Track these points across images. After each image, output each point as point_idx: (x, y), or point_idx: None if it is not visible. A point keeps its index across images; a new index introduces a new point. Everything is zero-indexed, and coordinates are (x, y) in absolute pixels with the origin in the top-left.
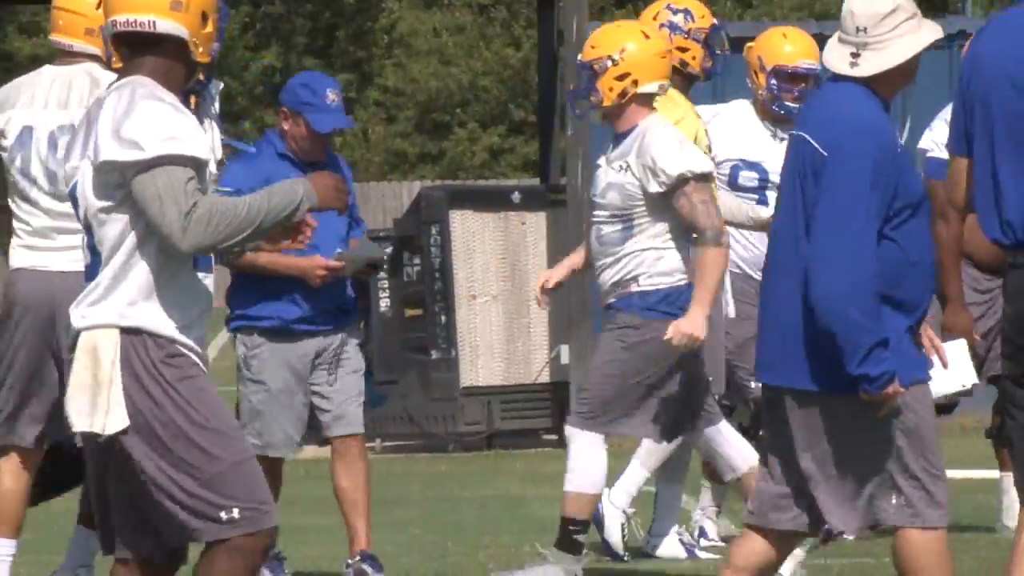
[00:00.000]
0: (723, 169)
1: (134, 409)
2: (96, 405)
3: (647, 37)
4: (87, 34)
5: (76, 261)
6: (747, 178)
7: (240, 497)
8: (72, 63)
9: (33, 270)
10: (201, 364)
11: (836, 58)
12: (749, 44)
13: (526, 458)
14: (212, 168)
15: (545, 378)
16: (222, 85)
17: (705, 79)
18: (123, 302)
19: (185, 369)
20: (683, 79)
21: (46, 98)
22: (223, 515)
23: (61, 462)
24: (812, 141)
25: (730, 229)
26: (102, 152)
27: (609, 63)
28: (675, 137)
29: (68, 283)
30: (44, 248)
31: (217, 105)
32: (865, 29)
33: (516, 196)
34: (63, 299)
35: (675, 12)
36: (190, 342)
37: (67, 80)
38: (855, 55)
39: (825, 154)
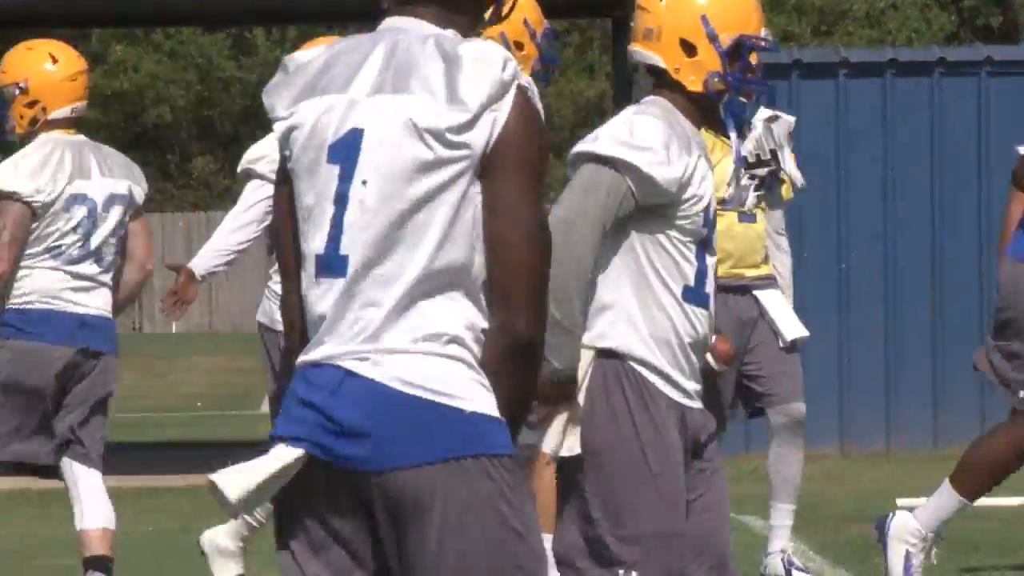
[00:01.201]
0: None
1: (590, 436)
2: (554, 427)
3: (55, 61)
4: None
5: None
6: None
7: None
8: None
9: None
10: (681, 402)
11: None
12: None
13: None
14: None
15: None
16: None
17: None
18: (605, 321)
19: (649, 404)
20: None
21: None
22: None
23: None
24: None
25: None
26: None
27: (16, 91)
28: None
29: None
30: None
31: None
32: None
33: None
34: None
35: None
36: (670, 374)
37: None
38: None
39: None
